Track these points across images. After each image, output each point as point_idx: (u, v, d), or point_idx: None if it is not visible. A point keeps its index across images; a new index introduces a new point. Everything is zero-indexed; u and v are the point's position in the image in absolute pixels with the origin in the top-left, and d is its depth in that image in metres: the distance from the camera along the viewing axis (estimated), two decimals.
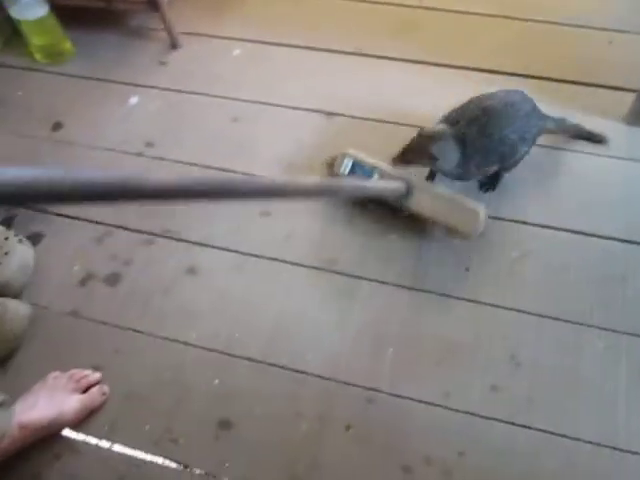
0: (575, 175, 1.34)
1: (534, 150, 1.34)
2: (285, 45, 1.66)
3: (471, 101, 1.23)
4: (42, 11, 1.57)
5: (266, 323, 1.17)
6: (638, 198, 1.30)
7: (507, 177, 1.31)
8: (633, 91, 1.41)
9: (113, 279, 1.26)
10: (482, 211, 1.18)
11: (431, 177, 1.33)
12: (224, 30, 1.71)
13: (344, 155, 1.31)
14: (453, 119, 1.20)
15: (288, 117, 1.49)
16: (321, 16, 1.73)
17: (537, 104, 1.25)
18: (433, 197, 1.21)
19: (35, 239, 1.32)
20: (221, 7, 1.78)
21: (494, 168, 1.25)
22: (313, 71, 1.59)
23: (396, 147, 1.19)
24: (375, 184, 1.22)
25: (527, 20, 1.66)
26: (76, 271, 1.27)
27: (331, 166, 1.35)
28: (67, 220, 1.35)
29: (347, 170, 1.30)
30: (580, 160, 1.37)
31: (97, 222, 1.34)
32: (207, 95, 1.56)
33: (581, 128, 1.39)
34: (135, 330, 1.18)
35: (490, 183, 1.32)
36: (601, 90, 1.49)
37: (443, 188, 1.24)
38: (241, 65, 1.62)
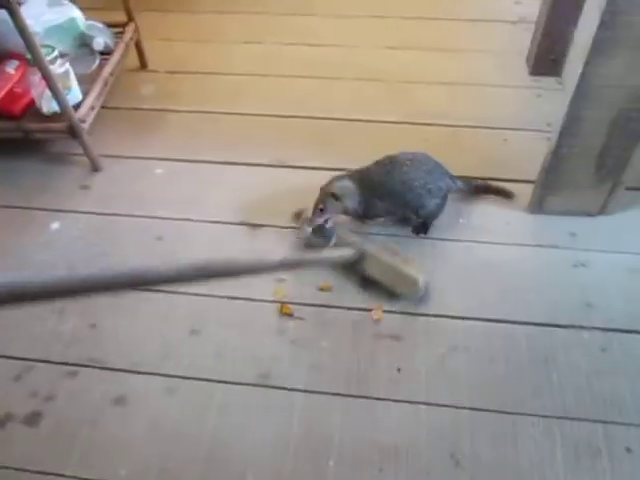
0: (489, 265, 1.42)
1: (450, 245, 1.43)
2: (206, 162, 1.72)
3: (383, 158, 1.45)
4: None
5: (201, 449, 1.12)
6: (548, 281, 1.39)
7: (427, 271, 1.38)
8: (531, 182, 1.54)
9: (34, 419, 1.18)
10: (421, 279, 1.31)
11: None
12: (145, 151, 1.76)
13: (305, 223, 1.45)
14: (360, 170, 1.44)
15: (212, 232, 1.52)
16: (240, 132, 1.82)
17: (443, 167, 1.46)
18: (381, 263, 1.34)
19: None
20: (142, 129, 1.84)
21: (401, 212, 1.47)
22: (235, 185, 1.64)
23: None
24: (332, 255, 1.36)
25: (429, 125, 1.81)
26: None
27: (297, 217, 1.51)
28: None
29: (310, 230, 1.43)
30: (492, 251, 1.45)
31: (15, 357, 1.28)
32: (130, 216, 1.57)
33: (490, 185, 1.57)
34: (58, 474, 1.10)
35: (421, 228, 1.50)
36: (502, 183, 1.61)
37: (391, 255, 1.36)
38: (163, 184, 1.66)
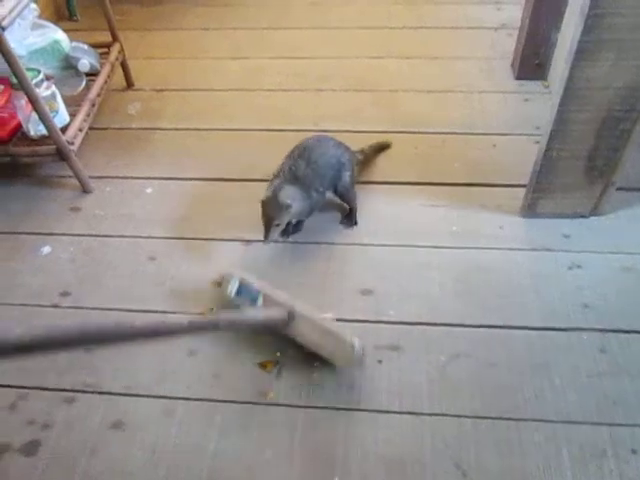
0: (484, 271, 1.41)
1: (444, 252, 1.43)
2: (196, 179, 1.71)
3: (292, 151, 1.50)
4: None
5: (203, 472, 1.10)
6: (544, 284, 1.38)
7: (424, 280, 1.38)
8: (522, 186, 1.54)
9: (31, 448, 1.16)
10: (357, 344, 1.18)
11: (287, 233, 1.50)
12: (135, 170, 1.75)
13: (230, 276, 1.33)
14: (281, 170, 1.46)
15: (205, 249, 1.51)
16: (229, 148, 1.82)
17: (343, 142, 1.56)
18: (313, 327, 1.22)
19: None
20: (130, 149, 1.83)
21: (330, 192, 1.52)
22: (226, 202, 1.63)
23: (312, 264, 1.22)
24: (255, 316, 1.23)
25: (417, 133, 1.81)
26: None
27: (219, 285, 1.38)
28: None
29: (234, 291, 1.31)
30: (486, 256, 1.45)
31: (9, 386, 1.25)
32: (122, 237, 1.55)
33: (374, 146, 1.71)
34: None
35: (348, 220, 1.55)
36: (494, 189, 1.61)
37: (323, 317, 1.24)
38: (153, 203, 1.65)
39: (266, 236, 1.38)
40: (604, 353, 1.24)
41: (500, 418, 1.15)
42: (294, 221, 1.49)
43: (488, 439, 1.12)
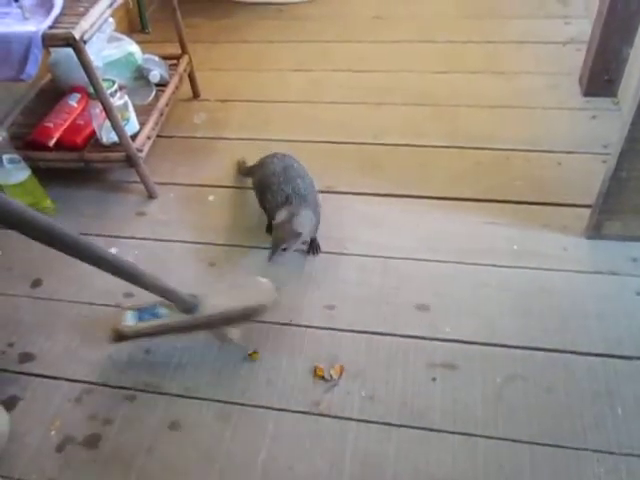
0: (546, 292, 1.38)
1: (505, 271, 1.41)
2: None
3: (272, 173, 1.53)
4: (23, 175, 1.64)
5: (254, 478, 1.12)
6: (609, 309, 1.33)
7: (482, 299, 1.36)
8: (587, 206, 1.49)
9: (92, 441, 1.21)
10: (268, 281, 1.32)
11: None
12: (198, 178, 1.81)
13: (124, 311, 1.34)
14: (284, 194, 1.46)
15: (262, 257, 1.53)
16: None
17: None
18: (222, 293, 1.32)
19: (10, 404, 1.28)
20: (195, 157, 1.89)
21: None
22: None
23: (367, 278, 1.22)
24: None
25: (480, 149, 1.78)
26: (53, 436, 1.22)
27: (119, 335, 1.32)
28: (45, 380, 1.33)
29: (136, 319, 1.31)
30: (549, 277, 1.41)
31: (76, 380, 1.32)
32: (183, 242, 1.61)
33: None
34: None
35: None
36: (558, 208, 1.57)
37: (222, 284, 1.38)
38: (215, 210, 1.70)
39: (270, 257, 1.43)
40: None
41: (558, 446, 1.11)
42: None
43: (545, 467, 1.09)
